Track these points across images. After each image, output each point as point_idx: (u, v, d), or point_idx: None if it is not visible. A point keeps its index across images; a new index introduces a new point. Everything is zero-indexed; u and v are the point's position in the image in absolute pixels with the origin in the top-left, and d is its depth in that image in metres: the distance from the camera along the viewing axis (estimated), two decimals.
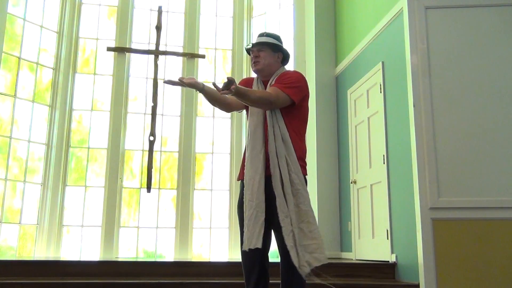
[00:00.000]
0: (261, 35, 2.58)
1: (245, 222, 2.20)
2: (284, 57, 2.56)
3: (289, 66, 6.22)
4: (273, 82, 2.43)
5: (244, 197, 2.26)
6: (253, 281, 2.27)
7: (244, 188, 2.28)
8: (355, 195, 4.87)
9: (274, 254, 6.29)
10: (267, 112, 2.35)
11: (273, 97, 2.29)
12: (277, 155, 2.25)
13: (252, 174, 2.25)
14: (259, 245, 2.15)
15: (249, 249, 2.17)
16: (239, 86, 2.21)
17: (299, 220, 2.19)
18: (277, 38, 2.56)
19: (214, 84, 2.20)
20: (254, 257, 2.27)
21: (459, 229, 3.28)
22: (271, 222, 2.23)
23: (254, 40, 2.58)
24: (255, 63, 2.50)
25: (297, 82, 2.39)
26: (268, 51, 2.50)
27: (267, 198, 2.22)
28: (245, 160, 2.34)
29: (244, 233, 2.19)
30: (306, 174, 2.37)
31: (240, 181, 2.43)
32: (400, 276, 3.86)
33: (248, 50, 2.60)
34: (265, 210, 2.21)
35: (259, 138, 2.31)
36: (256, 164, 2.26)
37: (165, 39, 6.60)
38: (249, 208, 2.21)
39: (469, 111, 3.40)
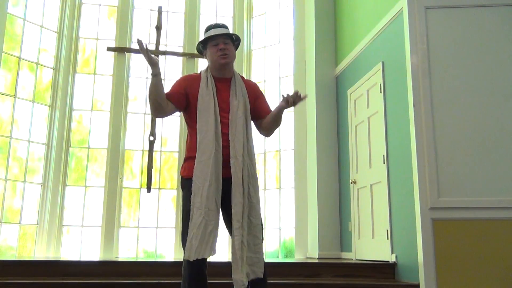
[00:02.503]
0: (216, 26, 2.38)
1: (191, 229, 2.15)
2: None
3: (289, 66, 6.27)
4: (240, 87, 2.36)
5: (191, 203, 2.18)
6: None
7: (193, 194, 2.19)
8: (355, 195, 4.87)
9: (273, 255, 6.27)
10: (235, 122, 2.26)
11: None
12: (243, 165, 2.22)
13: (201, 182, 2.18)
14: (207, 255, 2.15)
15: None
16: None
17: (248, 232, 2.20)
18: (227, 27, 2.44)
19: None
20: (201, 265, 2.22)
21: (459, 229, 3.28)
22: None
23: (205, 33, 2.41)
24: (224, 55, 2.33)
25: None
26: (231, 44, 2.41)
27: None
28: (194, 164, 2.23)
29: (189, 241, 2.14)
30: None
31: (184, 178, 2.33)
32: (400, 276, 3.86)
33: (204, 43, 2.40)
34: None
35: (211, 142, 2.21)
36: (205, 170, 2.18)
37: (165, 39, 6.60)
38: (198, 216, 2.15)
39: (469, 111, 3.40)
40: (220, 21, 6.73)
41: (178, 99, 2.35)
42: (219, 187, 2.21)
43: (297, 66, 6.11)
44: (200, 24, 6.72)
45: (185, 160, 2.37)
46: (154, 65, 2.24)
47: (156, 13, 6.53)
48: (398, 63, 3.98)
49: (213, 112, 2.26)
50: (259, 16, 6.78)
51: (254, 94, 2.43)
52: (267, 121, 2.37)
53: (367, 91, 4.69)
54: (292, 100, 2.22)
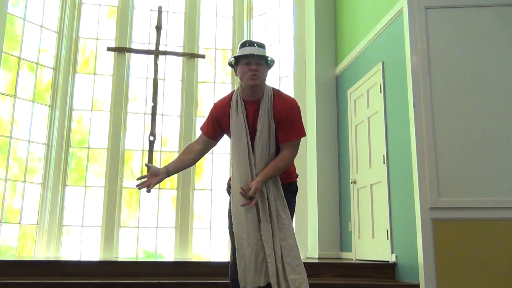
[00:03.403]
0: (252, 44, 2.30)
1: (244, 260, 2.19)
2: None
3: (289, 66, 6.27)
4: (267, 109, 2.27)
5: (237, 234, 2.23)
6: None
7: (236, 224, 2.24)
8: (355, 195, 4.87)
9: None
10: (258, 145, 2.26)
11: (292, 155, 2.30)
12: (267, 192, 2.23)
13: (242, 211, 2.22)
14: (262, 283, 2.17)
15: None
16: (258, 181, 2.16)
17: (286, 255, 2.19)
18: (265, 48, 2.36)
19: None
20: (233, 254, 2.30)
21: (459, 229, 3.28)
22: None
23: (240, 49, 2.33)
24: (254, 76, 2.24)
25: (300, 115, 2.34)
26: (265, 65, 2.31)
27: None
28: (232, 193, 2.28)
29: (242, 271, 2.19)
30: (297, 178, 2.45)
31: (228, 186, 2.41)
32: (400, 276, 3.86)
33: (237, 59, 2.32)
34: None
35: (246, 173, 2.23)
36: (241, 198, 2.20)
37: (165, 39, 6.60)
38: (247, 247, 2.19)
39: (469, 111, 3.40)
40: (225, 22, 6.76)
41: (214, 133, 2.40)
42: (255, 212, 2.24)
43: (297, 66, 6.11)
44: (200, 24, 6.72)
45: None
46: (160, 179, 2.34)
47: (156, 13, 6.53)
48: (398, 63, 3.98)
49: (245, 141, 2.27)
50: (259, 16, 6.78)
51: (283, 117, 2.30)
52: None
53: (367, 91, 4.69)
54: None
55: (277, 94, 2.35)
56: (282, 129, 2.29)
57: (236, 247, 2.23)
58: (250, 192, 2.14)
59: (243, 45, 2.31)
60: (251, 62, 2.25)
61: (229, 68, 6.76)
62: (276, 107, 2.30)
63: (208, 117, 2.44)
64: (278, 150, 2.32)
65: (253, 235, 2.19)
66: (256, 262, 2.17)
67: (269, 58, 2.32)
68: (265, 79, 2.32)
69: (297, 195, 2.46)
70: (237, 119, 2.29)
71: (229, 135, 2.37)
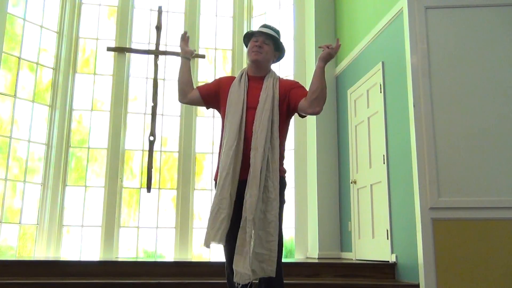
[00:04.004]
0: (266, 26, 2.44)
1: (209, 217, 2.18)
2: (276, 59, 2.48)
3: (289, 66, 6.27)
4: (274, 83, 2.33)
5: (214, 198, 2.22)
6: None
7: (216, 190, 2.22)
8: (355, 195, 4.87)
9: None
10: (260, 114, 2.24)
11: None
12: (262, 158, 2.17)
13: (220, 171, 2.21)
14: (217, 241, 2.12)
15: (230, 252, 2.15)
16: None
17: (260, 227, 2.11)
18: (279, 35, 2.47)
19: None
20: (228, 254, 2.23)
21: (459, 229, 3.28)
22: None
23: (258, 28, 2.46)
24: (257, 52, 2.35)
25: None
26: (271, 46, 2.40)
27: (238, 198, 2.18)
28: (219, 158, 2.29)
29: (206, 230, 2.17)
30: (285, 174, 2.35)
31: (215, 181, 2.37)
32: (400, 276, 3.86)
33: (249, 36, 2.44)
34: (235, 210, 2.17)
35: (234, 134, 2.22)
36: (225, 160, 2.20)
37: (165, 39, 6.60)
38: (213, 204, 2.17)
39: (469, 111, 3.40)
40: (225, 22, 6.77)
41: (207, 92, 2.42)
42: (235, 177, 2.19)
43: (297, 66, 6.11)
44: (200, 24, 6.73)
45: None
46: (186, 52, 2.43)
47: (156, 13, 6.53)
48: (398, 63, 3.98)
49: (240, 107, 2.27)
50: (259, 16, 6.78)
51: (289, 86, 2.36)
52: (310, 89, 2.28)
53: (367, 91, 4.69)
54: (327, 52, 2.23)
55: (281, 78, 2.44)
56: (297, 90, 2.34)
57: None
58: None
59: (260, 26, 2.46)
60: (258, 39, 2.37)
61: (229, 68, 6.82)
62: (281, 83, 2.38)
63: (210, 82, 2.52)
64: (282, 133, 2.31)
65: (221, 194, 2.15)
66: (216, 219, 2.13)
67: (274, 36, 2.39)
68: (269, 59, 2.40)
69: (285, 190, 2.40)
70: (238, 88, 2.34)
71: (223, 107, 2.35)
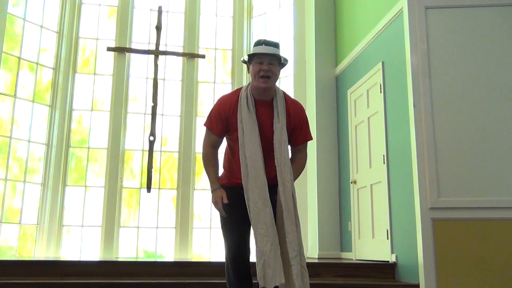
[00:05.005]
0: (267, 43, 2.29)
1: (259, 256, 2.14)
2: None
3: (289, 66, 6.27)
4: (282, 110, 2.30)
5: (256, 230, 2.17)
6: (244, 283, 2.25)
7: (254, 221, 2.19)
8: (355, 195, 4.87)
9: None
10: (279, 147, 2.26)
11: (306, 156, 2.42)
12: (292, 190, 2.23)
13: (261, 207, 2.17)
14: (283, 281, 2.12)
15: (239, 251, 2.18)
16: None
17: (302, 259, 2.24)
18: (279, 47, 2.34)
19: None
20: (245, 259, 2.26)
21: (459, 229, 3.28)
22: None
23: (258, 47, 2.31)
24: (266, 78, 2.25)
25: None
26: (277, 65, 2.30)
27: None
28: (246, 189, 2.23)
29: (261, 268, 2.12)
30: None
31: (227, 187, 2.36)
32: (400, 276, 3.86)
33: (250, 57, 2.31)
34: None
35: (261, 168, 2.21)
36: (263, 195, 2.18)
37: (165, 39, 6.60)
38: (266, 243, 2.13)
39: (469, 111, 3.40)
40: (225, 22, 6.76)
41: (223, 132, 2.37)
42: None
43: (297, 66, 6.11)
44: (200, 24, 6.73)
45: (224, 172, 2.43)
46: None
47: (156, 13, 6.53)
48: (398, 63, 3.98)
49: (257, 137, 2.24)
50: (259, 16, 6.79)
51: (298, 123, 2.37)
52: (295, 170, 2.36)
53: (367, 91, 4.69)
54: None
55: (287, 97, 2.40)
56: (299, 131, 2.37)
57: (256, 244, 2.19)
58: None
59: (258, 43, 2.31)
60: (263, 61, 2.26)
61: (229, 68, 6.82)
62: (290, 110, 2.34)
63: (214, 116, 2.36)
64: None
65: (272, 231, 2.14)
66: (275, 258, 2.12)
67: (282, 58, 2.32)
68: (276, 79, 2.34)
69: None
70: (249, 115, 2.27)
71: (233, 132, 2.32)
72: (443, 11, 3.58)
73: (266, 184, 2.21)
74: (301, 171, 2.40)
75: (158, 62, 6.40)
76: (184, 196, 6.18)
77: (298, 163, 2.39)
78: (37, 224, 5.84)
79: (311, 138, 2.45)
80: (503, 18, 3.49)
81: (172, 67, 6.58)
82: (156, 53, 6.40)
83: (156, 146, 6.19)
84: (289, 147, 2.37)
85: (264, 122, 2.29)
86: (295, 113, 2.36)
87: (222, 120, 2.33)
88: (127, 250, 6.03)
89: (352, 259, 4.75)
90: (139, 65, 6.51)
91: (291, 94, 5.58)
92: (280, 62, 2.33)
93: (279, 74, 2.36)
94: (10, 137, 5.69)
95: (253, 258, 2.27)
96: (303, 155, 2.44)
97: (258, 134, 2.25)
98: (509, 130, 3.33)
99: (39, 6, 6.18)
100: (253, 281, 2.26)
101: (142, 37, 6.61)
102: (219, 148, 2.42)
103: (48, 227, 5.83)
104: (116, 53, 6.39)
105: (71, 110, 6.23)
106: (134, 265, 4.03)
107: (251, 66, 2.31)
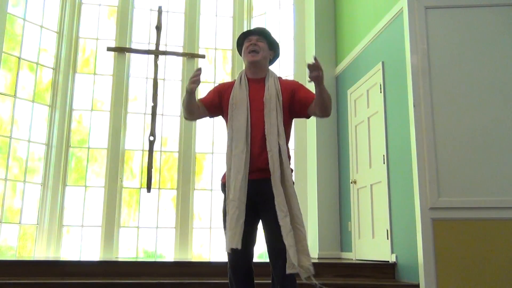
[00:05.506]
0: (258, 28, 2.47)
1: (228, 221, 2.15)
2: (272, 59, 2.47)
3: (289, 66, 6.27)
4: (275, 83, 2.32)
5: (229, 196, 2.19)
6: (241, 281, 2.23)
7: (226, 188, 2.22)
8: (355, 195, 4.88)
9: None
10: (269, 114, 2.25)
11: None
12: (280, 156, 2.19)
13: (234, 174, 2.19)
14: (239, 246, 2.10)
15: (233, 249, 2.12)
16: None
17: (293, 221, 2.14)
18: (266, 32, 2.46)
19: (315, 58, 2.09)
20: (242, 258, 2.22)
21: (459, 229, 3.28)
22: (256, 221, 2.23)
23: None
24: (253, 52, 2.34)
25: None
26: (266, 44, 2.40)
27: (249, 199, 2.17)
28: (226, 160, 2.26)
29: (226, 233, 2.15)
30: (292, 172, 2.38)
31: (222, 184, 2.35)
32: (400, 276, 3.86)
33: (242, 40, 2.43)
34: (250, 211, 2.17)
35: (243, 137, 2.22)
36: (238, 163, 2.19)
37: (165, 39, 6.60)
38: (232, 207, 2.15)
39: (469, 111, 3.40)
40: (225, 22, 6.77)
41: (211, 103, 2.40)
42: (247, 180, 2.20)
43: (297, 66, 6.11)
44: (200, 24, 6.72)
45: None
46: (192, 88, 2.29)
47: (156, 13, 6.53)
48: (398, 63, 3.98)
49: (245, 109, 2.27)
50: (259, 16, 6.78)
51: (291, 88, 2.36)
52: (319, 105, 2.25)
53: (367, 91, 4.69)
54: (314, 75, 2.11)
55: (281, 78, 2.44)
56: (301, 92, 2.34)
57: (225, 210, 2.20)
58: (317, 64, 2.06)
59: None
60: (251, 39, 2.38)
61: (229, 68, 6.82)
62: (282, 84, 2.37)
63: (210, 91, 2.48)
64: (286, 133, 2.31)
65: (239, 195, 2.14)
66: (237, 224, 2.11)
67: (267, 33, 2.39)
68: (266, 57, 2.39)
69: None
70: (240, 90, 2.33)
71: (226, 111, 2.35)
72: (443, 11, 3.58)
73: (247, 154, 2.21)
74: (330, 103, 2.23)
75: (158, 62, 6.40)
76: (184, 196, 6.18)
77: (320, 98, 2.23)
78: (37, 224, 5.84)
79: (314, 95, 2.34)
80: (503, 18, 3.49)
81: (172, 67, 6.58)
82: (156, 53, 6.40)
83: (156, 146, 6.19)
84: (287, 134, 2.33)
85: (256, 96, 2.32)
86: (287, 83, 2.39)
87: (215, 93, 2.42)
88: (127, 250, 6.03)
89: (352, 259, 4.75)
90: (139, 65, 6.51)
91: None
92: (270, 46, 2.40)
93: (270, 57, 2.43)
94: (10, 137, 5.69)
95: (254, 259, 2.26)
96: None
97: (246, 107, 2.28)
98: (509, 130, 3.34)
99: (39, 6, 6.18)
100: (264, 281, 2.24)
101: (142, 37, 6.61)
102: (196, 113, 2.42)
103: (48, 227, 5.83)
104: (116, 53, 6.39)
105: (71, 110, 6.23)
106: (134, 265, 4.04)
107: (243, 50, 2.43)
